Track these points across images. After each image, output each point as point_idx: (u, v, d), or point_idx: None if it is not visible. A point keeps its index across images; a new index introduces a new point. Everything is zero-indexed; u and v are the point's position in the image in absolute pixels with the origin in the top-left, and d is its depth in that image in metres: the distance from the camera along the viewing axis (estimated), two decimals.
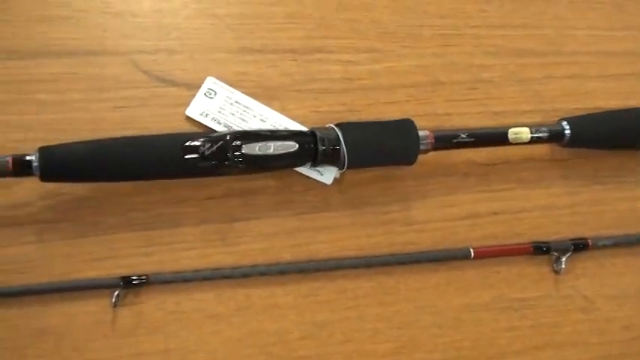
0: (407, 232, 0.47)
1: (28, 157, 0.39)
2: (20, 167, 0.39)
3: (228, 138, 0.41)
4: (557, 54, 0.54)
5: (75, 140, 0.41)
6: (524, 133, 0.47)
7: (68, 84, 0.45)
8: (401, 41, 0.51)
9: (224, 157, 0.41)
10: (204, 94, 0.46)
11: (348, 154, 0.42)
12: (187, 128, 0.46)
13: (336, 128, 0.43)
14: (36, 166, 0.39)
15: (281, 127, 0.47)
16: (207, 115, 0.46)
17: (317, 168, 0.46)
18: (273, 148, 0.42)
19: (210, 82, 0.46)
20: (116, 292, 0.41)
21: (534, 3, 0.55)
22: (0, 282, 0.41)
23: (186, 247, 0.44)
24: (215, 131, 0.45)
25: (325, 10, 0.51)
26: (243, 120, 0.46)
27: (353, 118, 0.48)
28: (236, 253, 0.44)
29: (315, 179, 0.47)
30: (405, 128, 0.45)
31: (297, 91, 0.48)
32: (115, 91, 0.45)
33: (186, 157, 0.40)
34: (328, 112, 0.49)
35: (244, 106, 0.46)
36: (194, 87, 0.46)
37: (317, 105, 0.48)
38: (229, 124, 0.46)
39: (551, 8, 0.55)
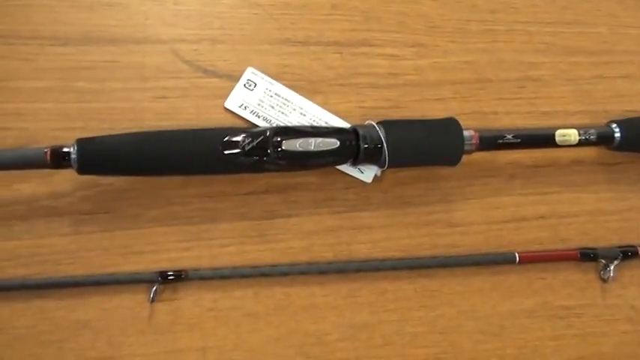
0: (449, 234, 0.47)
1: (65, 149, 0.39)
2: (58, 159, 0.39)
3: (268, 134, 0.41)
4: (610, 53, 0.53)
5: (114, 130, 0.41)
6: (572, 135, 0.46)
7: (108, 72, 0.45)
8: (448, 36, 0.50)
9: (264, 153, 0.41)
10: (244, 85, 0.46)
11: (390, 153, 0.42)
12: (226, 121, 0.46)
13: (378, 126, 0.43)
14: (74, 159, 0.39)
15: (321, 122, 0.46)
16: (246, 107, 0.45)
17: (358, 166, 0.46)
18: (314, 144, 0.41)
19: (249, 72, 0.46)
20: (154, 288, 0.41)
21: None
22: (38, 273, 0.41)
23: (225, 244, 0.43)
24: (255, 125, 0.45)
25: (371, 1, 0.50)
26: (282, 113, 0.46)
27: (397, 114, 0.48)
28: (275, 250, 0.44)
29: (355, 177, 0.46)
30: (449, 128, 0.44)
31: (340, 85, 0.48)
32: (156, 81, 0.45)
33: (227, 152, 0.40)
34: (372, 108, 0.48)
35: (284, 99, 0.46)
36: (235, 78, 0.46)
37: (361, 100, 0.48)
38: (268, 117, 0.46)
39: (604, 5, 0.54)
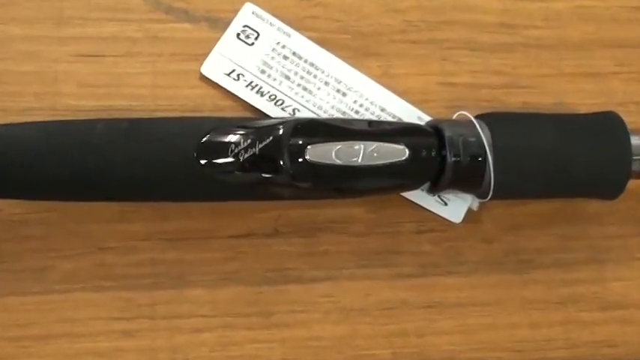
0: (602, 323, 0.37)
1: None
2: None
3: (281, 131, 0.31)
4: None
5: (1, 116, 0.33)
6: None
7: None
8: None
9: (273, 166, 0.31)
10: (238, 35, 0.34)
11: (499, 173, 0.32)
12: (205, 101, 0.35)
13: (479, 123, 0.33)
14: None
15: (376, 111, 0.36)
16: (239, 75, 0.34)
17: (439, 194, 0.35)
18: (362, 153, 0.31)
19: (248, 12, 0.34)
20: None
21: None
22: None
23: (198, 327, 0.32)
24: (256, 113, 0.35)
25: None
26: (305, 89, 0.34)
27: (513, 102, 0.37)
28: (288, 342, 0.34)
29: (434, 213, 0.36)
30: (606, 131, 0.34)
31: (413, 43, 0.36)
32: (82, 26, 0.34)
33: (205, 162, 0.30)
34: (469, 87, 0.37)
35: (309, 64, 0.34)
36: (221, 23, 0.35)
37: (449, 71, 0.36)
38: (279, 96, 0.35)
39: None
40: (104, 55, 0.34)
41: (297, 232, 0.35)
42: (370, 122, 0.34)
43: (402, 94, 0.37)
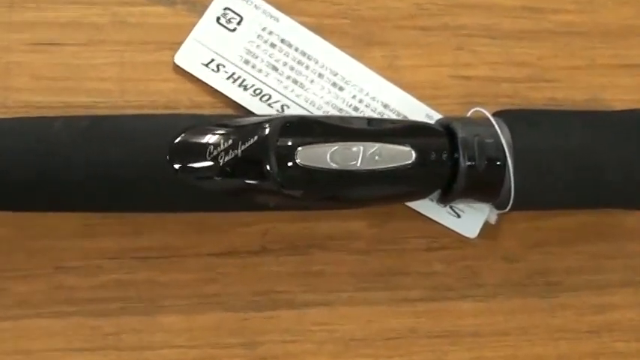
0: None
1: None
2: None
3: (267, 131, 0.28)
4: None
5: None
6: None
7: None
8: None
9: (258, 171, 0.29)
10: (217, 19, 0.33)
11: (520, 179, 0.30)
12: (178, 96, 0.32)
13: (497, 122, 0.31)
14: None
15: (378, 108, 0.34)
16: (218, 66, 0.32)
17: (452, 204, 0.33)
18: (362, 156, 0.29)
19: None
20: None
21: None
22: None
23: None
24: (239, 109, 0.33)
25: None
26: (295, 82, 0.32)
27: (539, 98, 0.34)
28: None
29: (445, 226, 0.34)
30: None
31: (423, 30, 0.34)
32: (37, 10, 0.31)
33: (179, 166, 0.28)
34: (487, 80, 0.34)
35: (301, 53, 0.32)
36: (198, 5, 0.33)
37: (466, 62, 0.34)
38: (265, 90, 0.32)
39: None
40: (63, 44, 0.32)
41: (288, 249, 0.33)
42: (371, 120, 0.32)
43: (409, 88, 0.35)
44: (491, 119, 0.31)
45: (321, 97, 0.33)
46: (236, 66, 0.32)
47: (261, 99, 0.32)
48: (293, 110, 0.31)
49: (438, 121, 0.32)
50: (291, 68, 0.33)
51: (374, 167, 0.29)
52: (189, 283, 0.31)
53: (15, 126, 0.29)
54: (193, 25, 0.32)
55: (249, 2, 0.31)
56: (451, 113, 0.33)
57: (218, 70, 0.33)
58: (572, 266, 0.34)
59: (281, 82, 0.32)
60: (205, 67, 0.32)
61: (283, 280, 0.32)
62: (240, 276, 0.31)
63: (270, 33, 0.32)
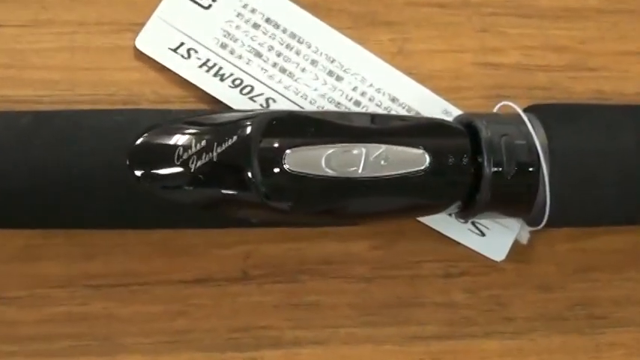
0: None
1: None
2: None
3: (249, 130, 0.25)
4: None
5: None
6: None
7: None
8: None
9: (237, 179, 0.25)
10: None
11: (557, 188, 0.27)
12: (140, 89, 0.29)
13: (530, 120, 0.28)
14: None
15: (384, 102, 0.31)
16: (189, 50, 0.29)
17: (474, 220, 0.30)
18: (365, 161, 0.26)
19: None
20: None
21: None
22: None
23: None
24: (215, 104, 0.31)
25: None
26: (283, 71, 0.29)
27: (581, 89, 0.31)
28: None
29: (467, 247, 0.30)
30: None
31: (441, 7, 0.31)
32: None
33: (141, 173, 0.25)
34: (518, 69, 0.31)
35: (290, 35, 0.29)
36: None
37: (492, 47, 0.31)
38: (248, 80, 0.29)
39: None
40: (1, 25, 0.29)
41: (274, 275, 0.29)
42: (375, 117, 0.29)
43: (423, 78, 0.31)
44: (523, 116, 0.28)
45: (315, 89, 0.29)
46: (211, 51, 0.29)
47: (241, 91, 0.29)
48: (280, 105, 0.29)
49: (458, 118, 0.30)
50: (278, 54, 0.30)
51: (379, 174, 0.26)
52: (154, 316, 0.28)
53: None
54: (159, 1, 0.30)
55: None
56: (474, 109, 0.30)
57: (189, 55, 0.30)
58: (621, 296, 0.31)
59: (266, 70, 0.29)
60: (173, 53, 0.29)
61: (268, 314, 0.29)
62: (217, 308, 0.28)
63: (253, 11, 0.30)
